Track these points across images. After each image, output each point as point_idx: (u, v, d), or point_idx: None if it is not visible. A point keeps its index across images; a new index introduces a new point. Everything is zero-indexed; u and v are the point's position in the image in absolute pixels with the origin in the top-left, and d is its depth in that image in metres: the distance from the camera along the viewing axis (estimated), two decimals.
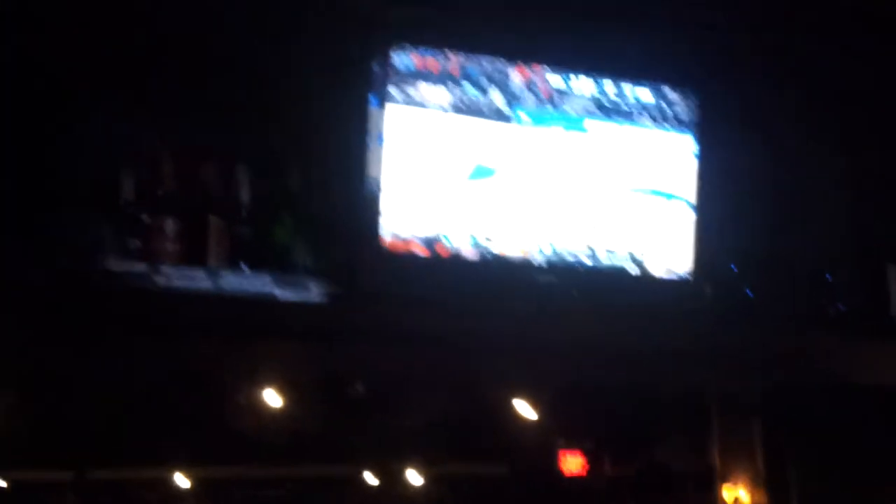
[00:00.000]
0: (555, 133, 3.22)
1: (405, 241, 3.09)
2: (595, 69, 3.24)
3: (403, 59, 3.02)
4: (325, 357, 3.67)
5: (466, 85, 3.10)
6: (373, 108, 3.02)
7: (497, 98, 3.15)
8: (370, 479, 7.12)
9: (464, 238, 3.14)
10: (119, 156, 2.99)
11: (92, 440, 4.15)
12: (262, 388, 3.88)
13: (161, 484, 6.29)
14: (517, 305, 3.22)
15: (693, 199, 3.36)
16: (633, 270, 3.33)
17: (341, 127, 3.07)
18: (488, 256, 3.17)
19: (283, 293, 3.03)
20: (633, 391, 4.65)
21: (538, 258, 3.23)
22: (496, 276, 3.20)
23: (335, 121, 3.10)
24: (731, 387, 4.53)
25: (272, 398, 3.97)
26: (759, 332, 3.58)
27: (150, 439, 4.16)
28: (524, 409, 4.94)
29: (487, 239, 3.18)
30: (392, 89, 3.01)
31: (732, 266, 3.50)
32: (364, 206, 3.05)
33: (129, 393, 3.63)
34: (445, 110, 3.09)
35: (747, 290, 3.50)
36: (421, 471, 6.82)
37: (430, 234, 3.10)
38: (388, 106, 3.01)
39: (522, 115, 3.18)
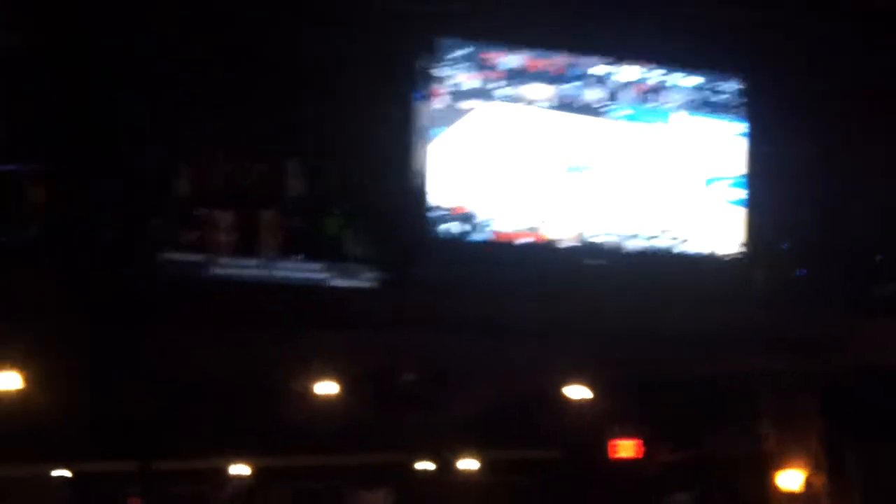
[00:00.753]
0: (607, 123, 3.27)
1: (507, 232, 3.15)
2: (643, 55, 3.27)
3: (511, 58, 3.11)
4: (378, 345, 3.73)
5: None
6: (417, 103, 3.06)
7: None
8: (424, 465, 7.18)
9: (516, 223, 3.16)
10: (175, 152, 3.07)
11: (153, 430, 4.24)
12: (317, 376, 3.95)
13: (218, 473, 6.40)
14: (569, 290, 3.24)
15: (744, 181, 3.36)
16: (685, 254, 3.33)
17: (390, 121, 3.11)
18: (541, 242, 3.19)
19: (334, 281, 3.10)
20: (686, 376, 4.64)
21: (589, 243, 3.24)
22: (548, 261, 3.22)
23: (383, 116, 3.14)
24: (785, 370, 4.52)
25: (326, 387, 4.03)
26: (812, 313, 3.57)
27: (208, 429, 4.25)
28: (578, 395, 4.94)
29: (539, 224, 3.20)
30: (497, 87, 3.10)
31: (783, 246, 3.48)
32: (415, 196, 3.09)
33: (187, 383, 3.72)
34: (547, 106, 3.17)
35: (798, 272, 3.49)
36: (474, 457, 6.84)
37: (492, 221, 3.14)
38: (491, 103, 3.10)
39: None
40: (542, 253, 3.22)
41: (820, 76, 3.48)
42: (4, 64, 2.97)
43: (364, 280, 3.12)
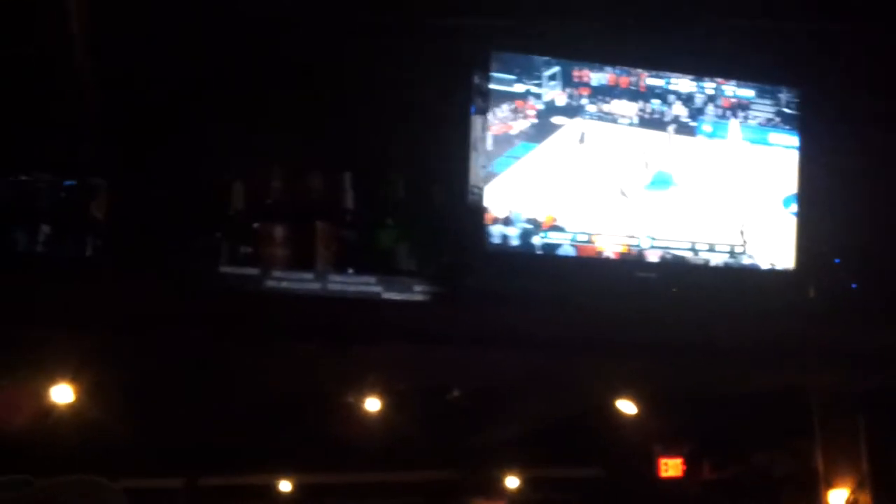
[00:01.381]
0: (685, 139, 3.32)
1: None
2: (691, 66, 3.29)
3: (598, 75, 3.20)
4: (428, 360, 3.74)
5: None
6: (474, 116, 3.09)
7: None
8: (469, 482, 7.17)
9: (566, 236, 3.19)
10: (231, 167, 3.11)
11: (202, 446, 4.26)
12: (368, 391, 3.96)
13: (267, 490, 6.42)
14: (620, 304, 3.24)
15: (797, 195, 3.36)
16: (736, 266, 3.33)
17: (444, 135, 3.14)
18: (592, 254, 3.21)
19: (387, 294, 3.11)
20: (733, 391, 4.60)
21: (639, 256, 3.26)
22: (599, 274, 3.23)
23: (438, 129, 3.17)
24: (835, 385, 4.48)
25: (377, 402, 4.05)
26: (864, 327, 3.54)
27: (257, 444, 4.27)
28: (623, 411, 4.92)
29: (591, 236, 3.21)
30: (587, 104, 3.19)
31: (836, 260, 3.47)
32: (468, 210, 3.11)
33: (239, 397, 3.75)
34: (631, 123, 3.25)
35: (852, 285, 3.47)
36: (519, 474, 6.84)
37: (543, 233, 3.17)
38: (577, 119, 3.19)
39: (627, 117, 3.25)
40: (594, 265, 3.23)
41: (874, 89, 3.48)
42: (64, 81, 3.03)
43: (416, 293, 3.14)
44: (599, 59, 3.19)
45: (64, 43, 2.93)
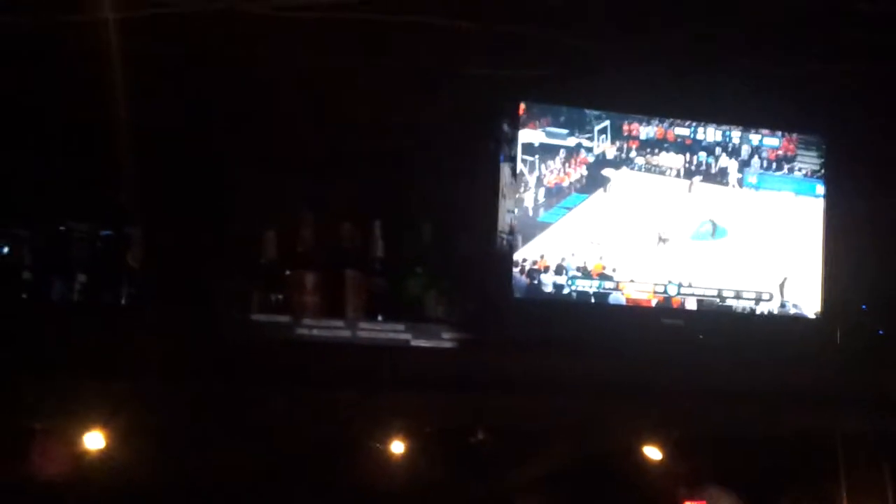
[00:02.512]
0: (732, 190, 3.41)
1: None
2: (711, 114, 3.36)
3: (647, 129, 3.34)
4: (455, 405, 3.76)
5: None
6: (502, 164, 3.16)
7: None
8: None
9: (587, 283, 3.24)
10: (262, 216, 3.16)
11: (231, 492, 4.28)
12: (395, 436, 3.98)
13: None
14: (643, 350, 3.27)
15: (821, 240, 3.40)
16: (761, 312, 3.36)
17: (472, 183, 3.19)
18: (611, 301, 3.26)
19: (416, 341, 3.15)
20: (758, 436, 4.60)
21: (665, 302, 3.30)
22: (625, 320, 3.27)
23: (466, 177, 3.23)
24: (861, 430, 4.47)
25: (403, 446, 4.06)
26: (890, 373, 3.55)
27: (286, 490, 4.29)
28: (647, 454, 4.91)
29: (612, 282, 3.26)
30: (635, 156, 3.33)
31: (864, 307, 3.49)
32: (495, 256, 3.15)
33: (268, 443, 3.78)
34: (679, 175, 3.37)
35: (879, 331, 3.49)
36: None
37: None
38: (625, 170, 3.33)
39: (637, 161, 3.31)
40: (620, 312, 3.27)
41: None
42: (100, 132, 3.09)
43: (444, 340, 3.17)
44: (629, 109, 3.29)
45: (100, 94, 2.99)
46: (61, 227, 2.95)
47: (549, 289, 3.21)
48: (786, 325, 3.39)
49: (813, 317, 3.40)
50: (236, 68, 3.15)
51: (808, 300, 3.41)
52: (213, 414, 3.49)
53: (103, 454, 3.27)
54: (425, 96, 3.31)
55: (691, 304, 3.33)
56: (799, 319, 3.39)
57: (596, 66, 3.24)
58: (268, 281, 3.12)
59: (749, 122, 3.37)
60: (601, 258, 3.26)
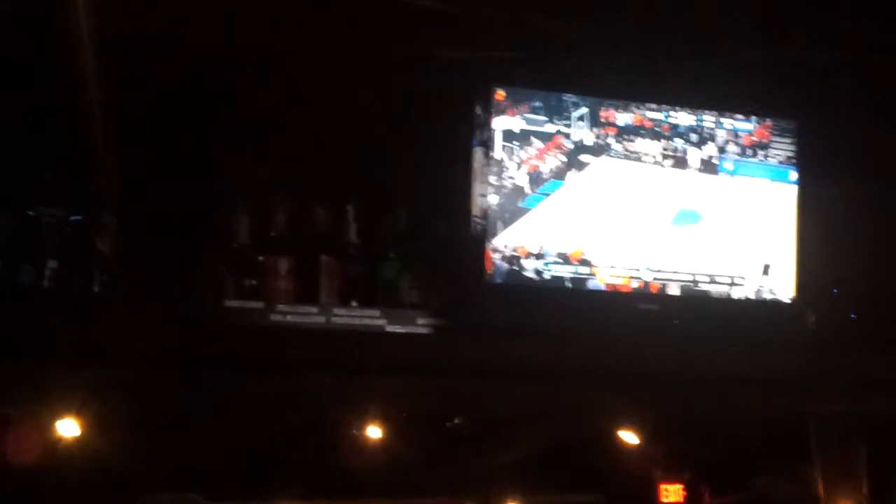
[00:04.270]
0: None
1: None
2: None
3: (624, 116, 3.34)
4: (430, 390, 3.75)
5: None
6: (476, 149, 3.15)
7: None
8: None
9: (566, 268, 3.24)
10: (235, 200, 3.13)
11: (207, 476, 4.27)
12: (371, 421, 3.98)
13: None
14: (619, 335, 3.27)
15: (794, 226, 3.41)
16: (736, 297, 3.38)
17: (446, 167, 3.18)
18: (590, 286, 3.26)
19: (391, 327, 3.14)
20: (734, 419, 4.62)
21: (643, 287, 3.30)
22: (599, 306, 3.27)
23: (441, 162, 3.21)
24: (835, 413, 4.50)
25: (379, 431, 4.06)
26: (863, 356, 3.57)
27: (262, 474, 4.28)
28: (623, 439, 4.92)
29: (591, 268, 3.26)
30: (613, 142, 3.32)
31: (835, 290, 3.51)
32: (469, 242, 3.15)
33: (243, 429, 3.77)
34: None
35: (851, 315, 3.51)
36: (520, 500, 6.81)
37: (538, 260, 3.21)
38: (604, 158, 3.32)
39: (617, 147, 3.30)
40: (596, 297, 3.27)
41: (871, 117, 3.52)
42: (70, 116, 3.06)
43: (419, 326, 3.16)
44: (604, 94, 3.29)
45: (71, 78, 2.96)
46: (30, 213, 2.91)
47: (529, 274, 3.20)
48: (760, 309, 3.41)
49: (787, 301, 3.41)
50: (209, 51, 3.13)
51: (782, 285, 3.42)
52: (187, 400, 3.48)
53: (77, 441, 3.25)
54: (400, 80, 3.29)
55: (667, 290, 3.33)
56: (773, 304, 3.41)
57: (571, 51, 3.23)
58: (241, 266, 3.09)
59: (722, 107, 3.38)
60: (580, 244, 3.25)
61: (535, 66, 3.29)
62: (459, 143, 3.16)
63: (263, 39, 3.09)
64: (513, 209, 3.20)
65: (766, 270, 3.40)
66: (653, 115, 3.35)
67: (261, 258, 3.12)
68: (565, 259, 3.25)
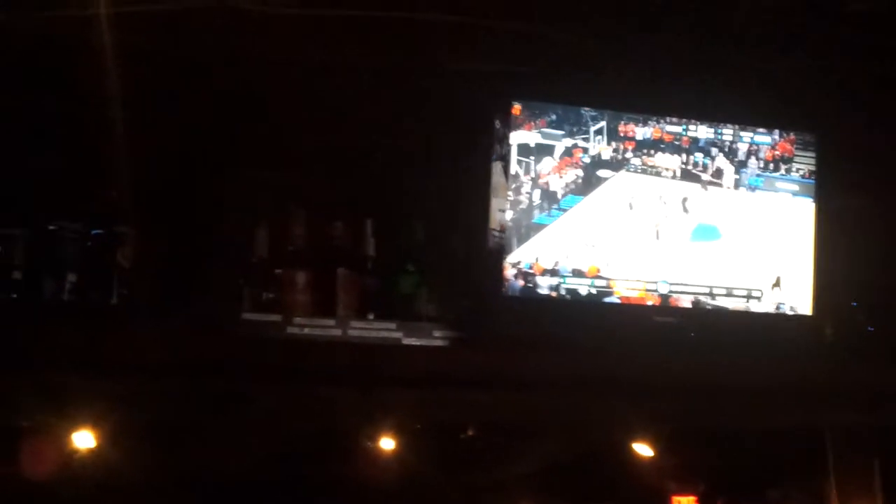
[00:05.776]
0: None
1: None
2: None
3: (643, 130, 3.33)
4: (447, 402, 3.75)
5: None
6: (495, 163, 3.15)
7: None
8: None
9: (582, 283, 3.24)
10: (253, 214, 3.15)
11: (223, 489, 4.28)
12: (386, 433, 3.99)
13: None
14: (635, 347, 3.27)
15: (812, 237, 3.40)
16: (753, 310, 3.37)
17: (465, 181, 3.19)
18: (606, 300, 3.26)
19: (407, 340, 3.14)
20: (749, 431, 4.61)
21: (656, 300, 3.30)
22: (614, 318, 3.27)
23: (459, 175, 3.22)
24: (851, 426, 4.48)
25: (394, 443, 4.07)
26: (880, 369, 3.56)
27: (279, 487, 4.30)
28: (637, 450, 4.91)
29: (607, 282, 3.26)
30: (632, 157, 3.32)
31: (854, 304, 3.50)
32: (486, 255, 3.15)
33: (258, 440, 3.77)
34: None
35: (869, 328, 3.50)
36: None
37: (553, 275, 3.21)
38: (622, 172, 3.31)
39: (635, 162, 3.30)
40: (612, 310, 3.27)
41: (890, 129, 3.52)
42: (89, 130, 3.08)
43: (436, 338, 3.16)
44: (623, 107, 3.29)
45: (92, 92, 2.97)
46: (52, 227, 2.93)
47: (544, 291, 3.20)
48: (778, 322, 3.40)
49: (804, 314, 3.40)
50: (227, 65, 3.14)
51: (799, 298, 3.41)
52: (204, 413, 3.48)
53: (93, 453, 3.26)
54: (419, 94, 3.30)
55: (684, 303, 3.33)
56: (790, 317, 3.40)
57: (589, 64, 3.24)
58: (259, 279, 3.10)
59: (742, 121, 3.37)
60: (596, 260, 3.25)
61: (554, 80, 3.29)
62: (478, 157, 3.16)
63: (283, 52, 3.10)
64: (528, 225, 3.19)
65: (777, 282, 3.39)
66: (672, 128, 3.34)
67: (278, 271, 3.12)
68: (580, 276, 3.24)
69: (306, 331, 3.07)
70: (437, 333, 3.16)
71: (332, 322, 3.10)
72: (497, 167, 3.17)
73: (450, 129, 3.26)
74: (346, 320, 3.11)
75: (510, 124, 3.16)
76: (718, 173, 3.39)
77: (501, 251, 3.15)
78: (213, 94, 3.21)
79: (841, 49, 3.27)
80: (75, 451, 3.36)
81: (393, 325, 3.14)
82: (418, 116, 3.29)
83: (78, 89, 3.05)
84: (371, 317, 3.16)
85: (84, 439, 3.32)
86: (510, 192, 3.16)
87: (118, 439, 3.25)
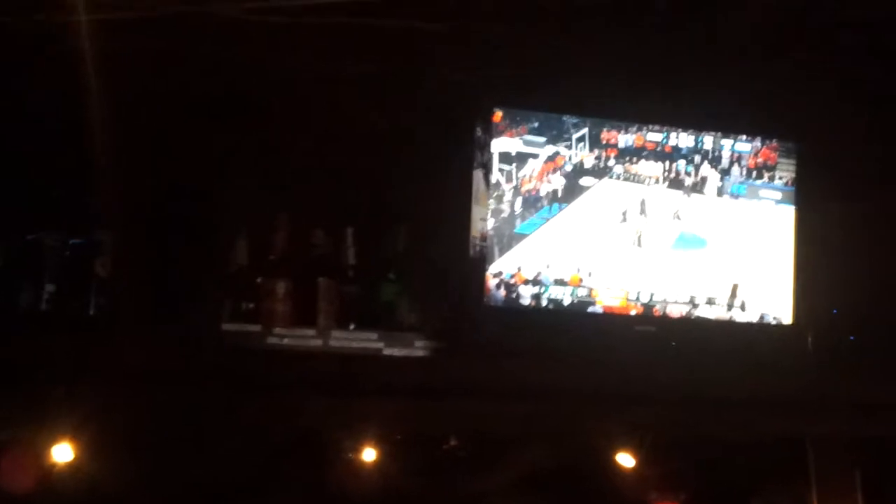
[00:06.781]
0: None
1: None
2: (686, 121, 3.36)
3: (626, 137, 3.31)
4: (429, 411, 3.74)
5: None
6: (475, 170, 3.14)
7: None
8: None
9: (564, 292, 3.23)
10: (233, 223, 3.13)
11: (203, 498, 4.25)
12: (368, 443, 3.97)
13: None
14: (617, 357, 3.26)
15: (792, 246, 3.41)
16: (733, 319, 3.37)
17: (446, 190, 3.18)
18: (588, 308, 3.25)
19: (389, 350, 3.12)
20: (731, 441, 4.62)
21: (639, 309, 3.29)
22: (596, 328, 3.26)
23: (440, 183, 3.21)
24: (832, 436, 4.49)
25: (375, 453, 4.05)
26: (861, 379, 3.56)
27: (259, 499, 4.27)
28: (619, 461, 4.91)
29: (589, 291, 3.25)
30: (614, 164, 3.30)
31: (834, 311, 3.50)
32: (468, 264, 3.14)
33: (239, 451, 3.75)
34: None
35: (850, 337, 3.50)
36: None
37: (534, 284, 3.20)
38: (605, 180, 3.30)
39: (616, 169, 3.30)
40: (593, 319, 3.26)
41: (872, 138, 3.53)
42: (68, 138, 3.06)
43: (417, 348, 3.15)
44: (604, 114, 3.27)
45: (72, 100, 2.95)
46: (30, 237, 2.91)
47: (526, 301, 3.19)
48: (758, 331, 3.40)
49: (785, 322, 3.41)
50: (209, 74, 3.13)
51: (781, 307, 3.42)
52: (184, 425, 3.46)
53: (73, 465, 3.23)
54: (399, 101, 3.29)
55: (666, 312, 3.32)
56: (771, 325, 3.40)
57: (571, 71, 3.23)
58: (239, 289, 3.08)
59: (724, 128, 3.36)
60: (578, 270, 3.24)
61: (535, 87, 3.28)
62: (459, 165, 3.15)
63: (262, 61, 3.09)
64: (509, 234, 3.18)
65: (755, 292, 3.38)
66: (654, 136, 3.34)
67: (259, 280, 3.10)
68: (563, 285, 3.23)
69: (287, 341, 3.05)
70: (418, 343, 3.14)
71: (312, 332, 3.08)
72: (478, 174, 3.15)
73: (431, 137, 3.25)
74: (326, 330, 3.09)
75: (491, 132, 3.15)
76: (702, 181, 3.38)
77: (483, 260, 3.13)
78: (195, 102, 3.19)
79: (823, 57, 3.28)
80: (55, 464, 3.33)
81: (374, 335, 3.12)
82: (399, 124, 3.28)
83: (58, 97, 3.03)
84: (352, 326, 3.15)
85: (63, 451, 3.30)
86: (491, 201, 3.15)
87: (98, 451, 3.22)
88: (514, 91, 3.21)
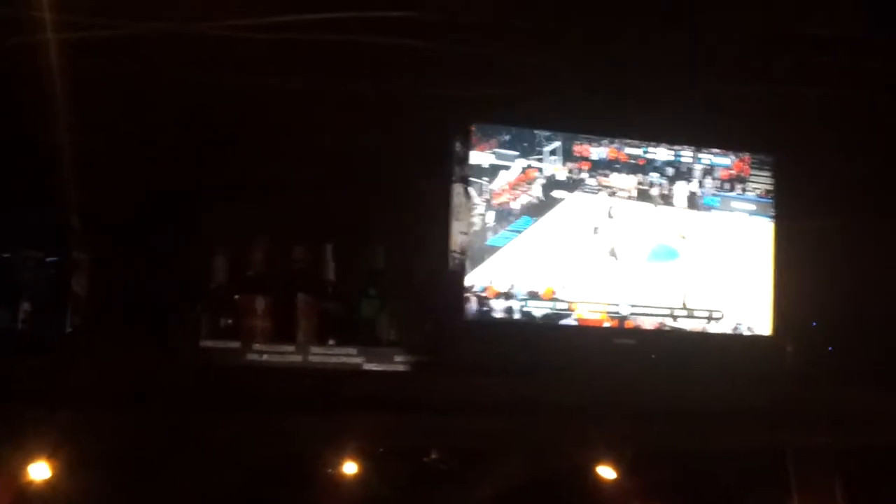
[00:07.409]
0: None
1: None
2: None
3: (598, 150, 3.31)
4: (410, 427, 3.73)
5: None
6: (455, 185, 3.14)
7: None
8: None
9: (538, 306, 3.23)
10: (211, 239, 3.11)
11: None
12: (347, 458, 3.97)
13: None
14: (594, 370, 3.26)
15: (771, 257, 3.42)
16: (713, 331, 3.38)
17: (425, 204, 3.18)
18: (566, 321, 3.25)
19: (368, 365, 3.12)
20: (711, 453, 4.63)
21: (614, 322, 3.30)
22: (575, 340, 3.26)
23: (419, 199, 3.21)
24: (812, 447, 4.51)
25: (355, 467, 4.05)
26: (840, 389, 3.58)
27: None
28: (599, 473, 4.92)
29: (564, 304, 3.26)
30: (587, 177, 3.29)
31: (814, 324, 3.52)
32: (447, 278, 3.13)
33: (218, 468, 3.73)
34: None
35: (829, 348, 3.52)
36: None
37: (508, 296, 3.20)
38: (577, 193, 3.29)
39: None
40: (571, 333, 3.26)
41: (848, 151, 3.56)
42: (45, 157, 3.04)
43: (397, 363, 3.14)
44: (579, 130, 3.27)
45: (47, 118, 2.94)
46: (5, 255, 2.88)
47: (499, 314, 3.18)
48: (738, 343, 3.41)
49: (764, 334, 3.42)
50: (186, 92, 3.12)
51: (759, 319, 3.43)
52: (162, 443, 3.44)
53: (49, 485, 3.20)
54: (376, 117, 3.29)
55: (643, 324, 3.33)
56: (751, 337, 3.41)
57: (546, 87, 3.24)
58: (217, 305, 3.06)
59: (700, 142, 3.38)
60: (552, 283, 3.24)
61: (510, 102, 3.29)
62: (439, 179, 3.15)
63: (239, 79, 3.08)
64: (481, 247, 3.17)
65: (735, 304, 3.39)
66: (629, 150, 3.35)
67: (237, 297, 3.09)
68: (537, 298, 3.22)
69: (266, 357, 3.04)
70: (398, 358, 3.14)
71: (291, 348, 3.07)
72: (458, 189, 3.15)
73: (409, 152, 3.26)
74: (306, 346, 3.08)
75: (470, 146, 3.15)
76: (674, 193, 3.39)
77: (462, 274, 3.13)
78: (171, 120, 3.18)
79: (799, 71, 3.30)
80: (30, 484, 3.30)
81: (354, 351, 3.11)
82: (378, 140, 3.28)
83: (34, 115, 3.01)
84: (332, 342, 3.14)
85: (39, 471, 3.27)
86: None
87: (74, 471, 3.20)
88: (490, 107, 3.21)
